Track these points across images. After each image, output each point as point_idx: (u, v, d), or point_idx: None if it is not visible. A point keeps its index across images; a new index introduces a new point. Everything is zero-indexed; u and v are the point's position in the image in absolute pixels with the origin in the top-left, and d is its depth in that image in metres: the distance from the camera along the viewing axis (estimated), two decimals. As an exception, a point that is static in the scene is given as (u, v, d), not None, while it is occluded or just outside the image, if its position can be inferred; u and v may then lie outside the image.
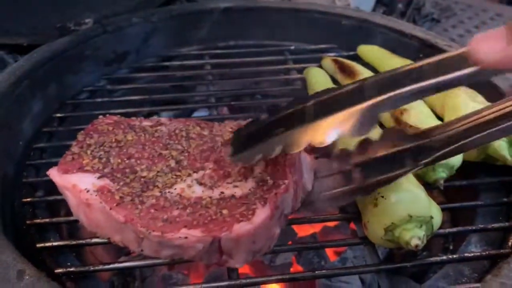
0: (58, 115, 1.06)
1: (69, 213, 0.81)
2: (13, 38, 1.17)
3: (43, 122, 1.05)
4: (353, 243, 0.79)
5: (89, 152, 0.79)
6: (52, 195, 0.85)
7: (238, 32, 1.36)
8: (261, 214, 0.67)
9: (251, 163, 0.71)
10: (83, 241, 0.75)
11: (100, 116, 0.89)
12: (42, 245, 0.75)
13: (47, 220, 0.80)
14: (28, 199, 0.84)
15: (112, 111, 1.03)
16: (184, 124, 0.87)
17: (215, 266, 0.74)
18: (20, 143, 0.97)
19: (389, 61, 1.13)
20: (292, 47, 1.32)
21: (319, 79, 1.06)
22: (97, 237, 0.75)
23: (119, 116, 0.90)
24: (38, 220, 0.79)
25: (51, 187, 0.86)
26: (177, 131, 0.85)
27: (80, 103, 1.12)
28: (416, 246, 0.67)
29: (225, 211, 0.68)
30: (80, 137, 0.83)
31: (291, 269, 0.95)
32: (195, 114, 1.35)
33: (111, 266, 0.72)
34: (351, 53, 1.27)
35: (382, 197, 0.71)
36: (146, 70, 1.25)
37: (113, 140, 0.82)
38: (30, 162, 0.93)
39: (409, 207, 0.69)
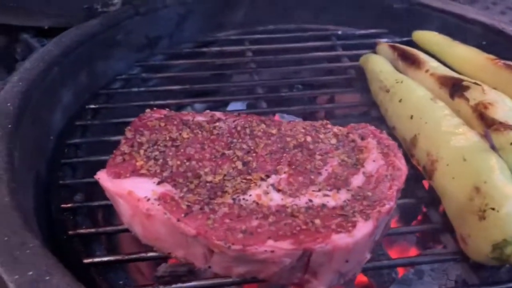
0: (92, 106, 0.95)
1: (108, 219, 0.71)
2: (37, 19, 1.05)
3: (75, 115, 0.94)
4: (448, 259, 0.69)
5: (142, 152, 0.68)
6: (92, 200, 0.75)
7: (277, 14, 1.24)
8: (363, 228, 0.57)
9: None
10: (137, 256, 0.66)
11: (147, 110, 0.78)
12: (90, 260, 0.64)
13: (92, 230, 0.69)
14: (69, 205, 0.73)
15: (150, 102, 0.93)
16: (246, 119, 0.76)
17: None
18: (51, 138, 0.87)
19: (454, 49, 1.03)
20: (339, 32, 1.21)
21: (383, 67, 0.95)
22: (154, 251, 0.65)
23: (168, 109, 0.79)
24: (82, 231, 0.69)
25: (92, 190, 0.76)
26: (239, 128, 0.74)
27: (114, 93, 1.01)
28: (532, 266, 0.58)
29: (317, 221, 0.58)
30: (128, 133, 0.72)
31: (356, 281, 0.85)
32: (230, 107, 1.23)
33: (173, 286, 0.61)
34: (405, 39, 1.16)
35: (493, 209, 0.60)
36: (182, 57, 1.13)
37: (167, 138, 0.71)
38: (65, 160, 0.82)
39: (525, 221, 0.59)
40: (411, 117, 0.80)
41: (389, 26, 1.21)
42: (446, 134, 0.73)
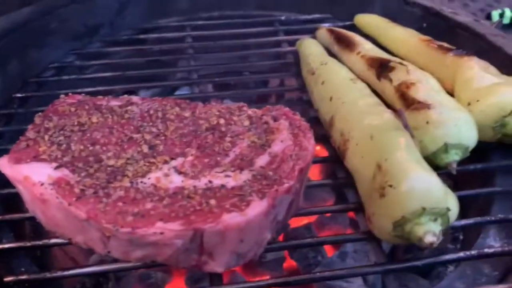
0: (19, 95, 0.93)
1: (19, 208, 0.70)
2: (-32, 8, 1.03)
3: (3, 104, 0.92)
4: (355, 239, 0.68)
5: (46, 137, 0.67)
6: (7, 188, 0.73)
7: (223, 1, 1.23)
8: (257, 207, 0.56)
9: None
10: (40, 243, 0.64)
11: (62, 96, 0.77)
12: (-10, 248, 0.64)
13: (-3, 217, 0.68)
14: (-22, 193, 0.72)
15: (80, 90, 0.92)
16: (160, 103, 0.75)
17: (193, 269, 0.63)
18: (-27, 127, 0.85)
19: (391, 31, 1.02)
20: (283, 18, 1.20)
21: (313, 50, 0.94)
22: (57, 237, 0.64)
23: (83, 95, 0.78)
24: (-14, 218, 0.68)
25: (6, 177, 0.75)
26: (151, 112, 0.73)
27: (45, 81, 1.00)
28: (431, 243, 0.57)
29: (212, 201, 0.57)
30: (37, 119, 0.71)
31: (284, 265, 0.85)
32: (177, 92, 1.23)
33: (71, 272, 0.61)
34: (348, 23, 1.15)
35: (390, 186, 0.60)
36: (121, 44, 1.12)
37: (76, 123, 0.70)
38: (-17, 149, 0.81)
39: (423, 197, 0.58)
40: (331, 98, 0.79)
41: (333, 11, 1.20)
42: (360, 114, 0.72)
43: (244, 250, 0.60)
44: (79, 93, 0.82)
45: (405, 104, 0.77)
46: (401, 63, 0.84)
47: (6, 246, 0.64)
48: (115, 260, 0.62)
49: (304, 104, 0.93)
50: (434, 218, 0.59)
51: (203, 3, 1.23)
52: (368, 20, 1.10)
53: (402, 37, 0.99)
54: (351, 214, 0.91)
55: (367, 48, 0.94)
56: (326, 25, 1.14)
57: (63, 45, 1.07)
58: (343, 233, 0.94)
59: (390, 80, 0.82)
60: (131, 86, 1.04)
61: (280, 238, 0.86)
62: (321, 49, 0.96)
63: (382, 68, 0.85)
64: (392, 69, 0.83)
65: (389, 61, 0.86)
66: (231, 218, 0.56)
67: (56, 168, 0.62)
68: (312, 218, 0.92)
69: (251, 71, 1.20)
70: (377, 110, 0.73)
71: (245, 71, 1.22)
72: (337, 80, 0.81)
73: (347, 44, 0.97)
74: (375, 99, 0.76)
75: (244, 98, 1.11)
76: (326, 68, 0.86)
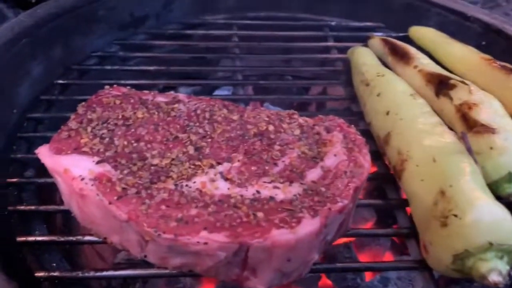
0: (60, 81, 0.91)
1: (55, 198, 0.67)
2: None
3: (44, 89, 0.90)
4: (407, 268, 0.63)
5: (89, 129, 0.64)
6: (44, 177, 0.71)
7: (271, 2, 1.19)
8: (308, 225, 0.52)
9: None
10: (73, 238, 0.62)
11: (106, 87, 0.74)
12: (23, 239, 0.61)
13: (32, 207, 0.65)
14: (14, 180, 0.70)
15: (123, 81, 0.90)
16: (208, 103, 0.71)
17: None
18: (14, 111, 0.83)
19: (449, 47, 0.96)
20: (333, 23, 1.15)
21: (367, 60, 0.90)
22: (91, 235, 0.61)
23: (129, 88, 0.75)
24: (21, 207, 0.66)
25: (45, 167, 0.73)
26: (198, 111, 0.69)
27: (87, 70, 0.97)
28: (496, 284, 0.52)
29: (260, 214, 0.53)
30: (80, 109, 0.69)
31: (320, 283, 0.81)
32: (217, 92, 1.19)
33: (104, 274, 0.58)
34: (401, 34, 1.10)
35: (455, 215, 0.55)
36: (166, 37, 1.09)
37: (120, 116, 0.67)
38: (22, 134, 0.79)
39: (490, 231, 0.53)
40: (387, 113, 0.74)
41: (385, 20, 1.15)
42: (421, 133, 0.68)
43: (290, 270, 0.56)
44: (122, 85, 0.79)
45: (466, 125, 0.72)
46: (463, 82, 0.79)
47: (39, 239, 0.61)
48: (146, 263, 0.59)
49: (353, 115, 0.88)
50: (501, 255, 0.54)
51: (250, 2, 1.19)
52: (424, 33, 1.04)
53: (461, 54, 0.93)
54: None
55: (425, 62, 0.88)
56: (379, 34, 1.08)
57: (108, 34, 1.05)
58: (382, 254, 0.89)
59: (451, 99, 0.77)
60: (173, 82, 1.01)
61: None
62: (376, 59, 0.91)
63: (442, 85, 0.80)
64: (453, 87, 0.78)
65: (449, 78, 0.80)
66: (280, 235, 0.52)
67: (98, 162, 0.59)
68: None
69: (294, 75, 1.16)
70: (439, 131, 0.68)
71: (287, 75, 1.18)
72: (395, 94, 0.77)
73: (403, 56, 0.92)
74: (436, 118, 0.71)
75: (285, 104, 1.08)
76: (382, 80, 0.81)
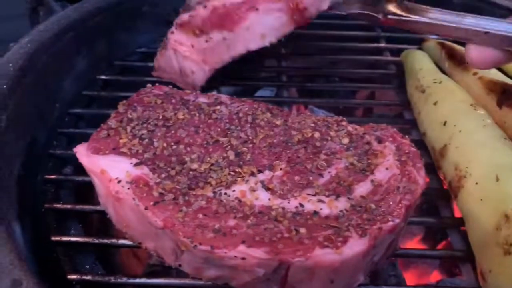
0: (103, 77, 0.90)
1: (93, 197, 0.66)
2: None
3: (86, 85, 0.89)
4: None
5: (129, 129, 0.62)
6: (82, 175, 0.69)
7: None
8: (356, 246, 0.48)
9: None
10: (108, 241, 0.60)
11: (148, 85, 0.72)
12: (57, 238, 0.60)
13: (68, 206, 0.64)
14: (53, 176, 0.69)
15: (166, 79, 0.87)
16: (251, 106, 0.68)
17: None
18: (56, 106, 0.83)
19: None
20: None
21: (424, 65, 0.84)
22: (126, 239, 0.59)
23: (170, 87, 0.73)
24: (58, 205, 0.64)
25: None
26: (240, 115, 0.66)
27: (131, 66, 0.96)
28: None
29: (303, 230, 0.50)
30: (121, 108, 0.67)
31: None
32: (259, 93, 1.16)
33: (137, 281, 0.56)
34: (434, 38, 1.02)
35: (522, 243, 0.49)
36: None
37: (160, 116, 0.65)
38: (62, 130, 0.78)
39: None
40: (444, 123, 0.68)
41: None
42: (482, 147, 0.62)
43: (332, 291, 0.51)
44: (163, 82, 0.77)
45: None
46: (529, 91, 0.72)
47: (73, 239, 0.60)
48: (180, 271, 0.56)
49: (405, 123, 0.83)
50: None
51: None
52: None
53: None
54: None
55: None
56: (433, 37, 1.01)
57: (152, 30, 1.03)
58: (430, 273, 0.83)
59: None
60: (214, 82, 0.98)
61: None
62: (433, 64, 0.85)
63: (505, 94, 0.73)
64: None
65: (515, 87, 0.74)
66: (324, 255, 0.48)
67: (136, 165, 0.57)
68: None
69: (342, 77, 1.11)
70: (503, 146, 0.62)
71: (334, 77, 1.12)
72: (453, 103, 0.71)
73: (461, 62, 0.85)
74: (500, 131, 0.65)
75: (332, 107, 1.03)
76: (440, 87, 0.75)
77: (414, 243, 0.84)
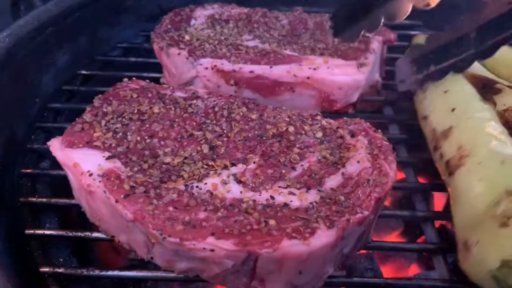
0: (84, 72, 0.90)
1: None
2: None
3: (67, 80, 0.89)
4: (440, 284, 0.57)
5: (103, 122, 0.63)
6: (58, 169, 0.69)
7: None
8: (323, 237, 0.49)
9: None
10: (81, 234, 0.60)
11: (125, 79, 0.72)
12: (31, 232, 0.60)
13: (44, 200, 0.64)
14: (29, 170, 0.69)
15: (145, 74, 0.88)
16: (227, 100, 0.68)
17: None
18: (36, 101, 0.83)
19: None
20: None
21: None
22: (99, 232, 0.59)
23: (147, 81, 0.73)
24: (33, 199, 0.64)
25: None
26: (216, 109, 0.66)
27: (112, 61, 0.96)
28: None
29: (272, 222, 0.50)
30: (96, 102, 0.67)
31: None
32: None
33: (109, 273, 0.56)
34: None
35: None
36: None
37: (136, 110, 0.65)
38: (41, 124, 0.78)
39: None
40: (453, 109, 0.70)
41: (422, 18, 1.09)
42: (489, 136, 0.63)
43: (301, 283, 0.52)
44: (145, 78, 0.77)
45: (510, 132, 0.67)
46: (510, 87, 0.73)
47: (47, 232, 0.60)
48: (157, 265, 0.57)
49: (384, 118, 0.83)
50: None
51: None
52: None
53: (508, 57, 0.86)
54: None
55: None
56: (416, 33, 1.02)
57: (134, 25, 1.03)
58: (408, 267, 0.84)
59: (494, 104, 0.71)
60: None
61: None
62: None
63: (485, 88, 0.74)
64: (498, 91, 0.72)
65: (495, 82, 0.75)
66: (292, 246, 0.48)
67: (108, 158, 0.57)
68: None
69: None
70: (505, 139, 0.63)
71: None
72: (464, 93, 0.73)
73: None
74: (503, 129, 0.66)
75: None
76: (451, 77, 0.76)
77: (393, 238, 0.85)
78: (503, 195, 0.54)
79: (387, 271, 0.81)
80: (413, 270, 0.84)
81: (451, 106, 0.72)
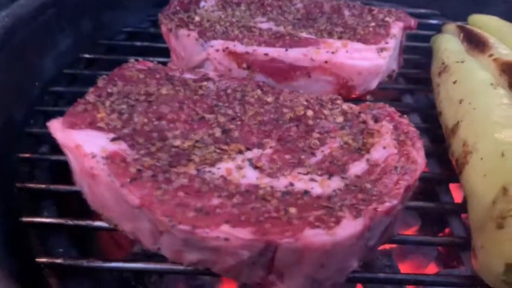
0: (86, 55, 0.86)
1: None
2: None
3: (69, 63, 0.85)
4: (458, 284, 0.53)
5: (107, 103, 0.58)
6: (58, 154, 0.65)
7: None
8: (349, 227, 0.44)
9: None
10: (83, 223, 0.56)
11: (131, 60, 0.68)
12: (28, 219, 0.55)
13: (42, 186, 0.60)
14: (27, 155, 0.64)
15: (151, 58, 0.83)
16: (240, 83, 0.64)
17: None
18: (36, 84, 0.78)
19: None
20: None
21: (449, 46, 0.81)
22: (102, 220, 0.55)
23: (155, 62, 0.68)
24: (31, 185, 0.60)
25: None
26: (229, 91, 0.62)
27: (116, 45, 0.92)
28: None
29: (292, 210, 0.46)
30: (100, 82, 0.62)
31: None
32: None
33: (113, 265, 0.51)
34: (458, 23, 0.98)
35: (517, 217, 0.45)
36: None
37: (142, 91, 0.61)
38: (40, 107, 0.74)
39: None
40: (460, 101, 0.65)
41: (440, 7, 1.04)
42: (493, 125, 0.58)
43: (323, 277, 0.47)
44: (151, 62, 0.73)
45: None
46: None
47: (46, 220, 0.56)
48: (161, 255, 0.52)
49: (404, 106, 0.79)
50: None
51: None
52: (487, 22, 0.93)
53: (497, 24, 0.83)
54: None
55: (504, 52, 0.77)
56: (434, 22, 0.98)
57: (140, 10, 0.99)
58: (426, 266, 0.79)
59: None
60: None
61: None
62: (460, 46, 0.82)
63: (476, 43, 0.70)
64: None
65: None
66: (315, 236, 0.44)
67: (113, 140, 0.52)
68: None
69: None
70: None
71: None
72: (472, 82, 0.68)
73: (478, 44, 0.81)
74: None
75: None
76: (462, 66, 0.72)
77: (412, 232, 0.80)
78: (500, 193, 0.49)
79: (405, 269, 0.77)
80: (431, 269, 0.80)
81: (459, 97, 0.67)
